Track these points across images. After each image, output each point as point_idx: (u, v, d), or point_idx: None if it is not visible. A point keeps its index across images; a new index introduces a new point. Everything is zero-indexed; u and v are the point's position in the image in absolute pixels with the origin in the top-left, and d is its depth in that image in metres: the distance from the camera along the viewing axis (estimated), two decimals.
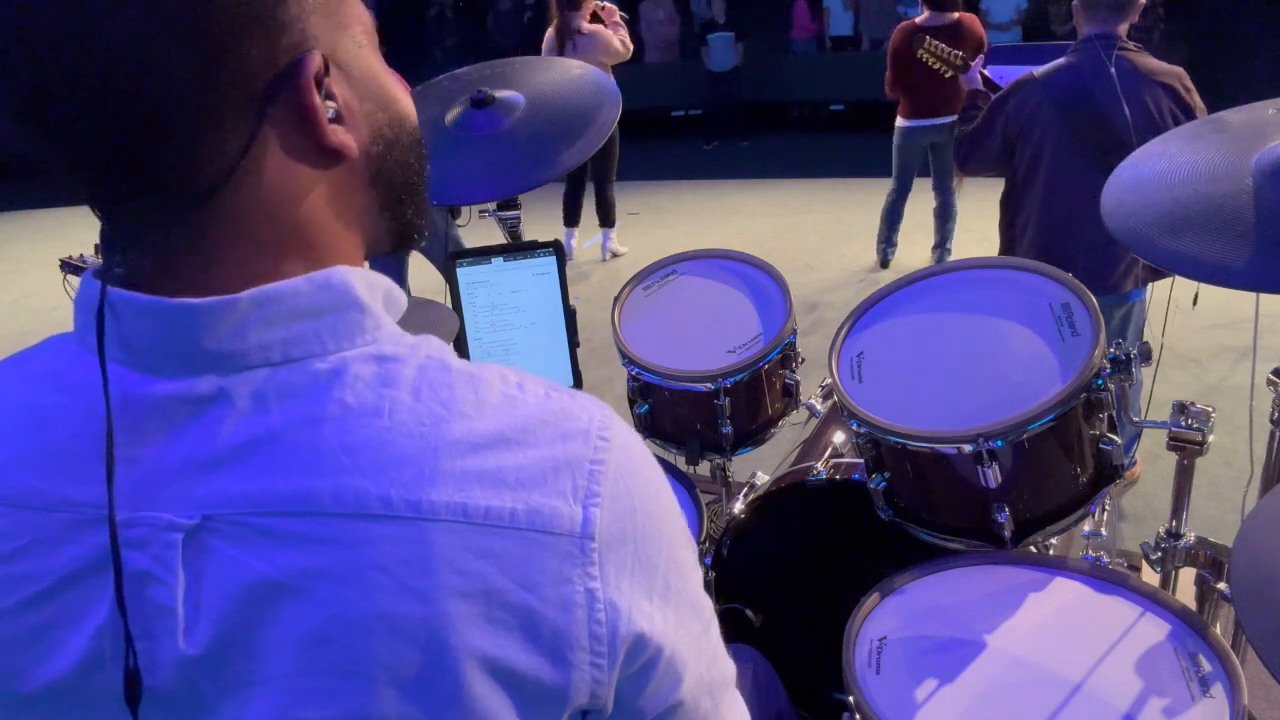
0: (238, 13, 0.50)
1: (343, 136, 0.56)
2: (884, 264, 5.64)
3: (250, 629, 0.52)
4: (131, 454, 0.53)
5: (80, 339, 0.57)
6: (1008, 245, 2.84)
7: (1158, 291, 2.72)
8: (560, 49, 5.22)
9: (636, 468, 0.58)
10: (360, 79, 0.58)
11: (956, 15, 4.88)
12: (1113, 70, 2.51)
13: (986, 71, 3.06)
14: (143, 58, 0.48)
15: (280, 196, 0.55)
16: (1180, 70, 2.58)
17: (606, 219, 6.13)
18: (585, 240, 6.37)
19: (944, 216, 5.33)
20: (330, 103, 0.55)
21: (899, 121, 5.18)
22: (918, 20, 5.00)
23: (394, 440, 0.53)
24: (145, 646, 0.53)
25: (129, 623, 0.52)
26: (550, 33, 5.37)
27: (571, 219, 6.17)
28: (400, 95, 0.62)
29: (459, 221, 3.94)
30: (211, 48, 0.49)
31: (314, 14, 0.54)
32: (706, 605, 0.64)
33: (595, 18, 5.33)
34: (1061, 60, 2.64)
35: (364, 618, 0.51)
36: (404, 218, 0.64)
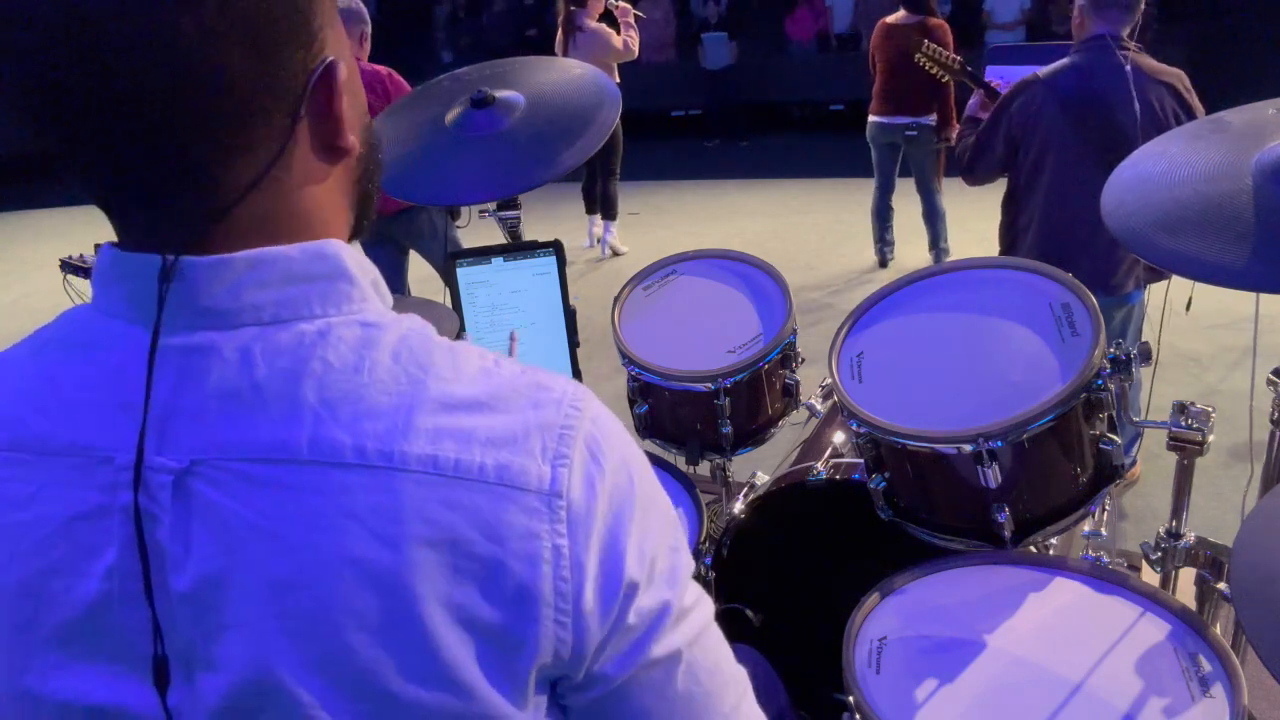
0: (288, 19, 0.54)
1: (352, 136, 0.61)
2: (882, 263, 5.64)
3: (230, 570, 0.54)
4: (130, 400, 0.56)
5: (97, 306, 0.60)
6: (1009, 247, 2.83)
7: (1155, 293, 2.72)
8: (564, 46, 5.23)
9: (607, 437, 0.60)
10: (354, 90, 0.63)
11: (929, 18, 4.91)
12: (1119, 70, 2.51)
13: (997, 83, 3.01)
14: (209, 59, 0.51)
15: (298, 188, 0.59)
16: (1180, 72, 2.58)
17: (608, 212, 6.16)
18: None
19: (931, 218, 5.31)
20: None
21: (869, 116, 5.25)
22: (888, 20, 5.05)
23: (371, 396, 0.56)
24: (154, 580, 0.55)
25: (139, 558, 0.54)
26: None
27: (592, 207, 6.28)
28: (366, 102, 0.67)
29: (459, 223, 3.93)
30: (269, 51, 0.54)
31: (329, 26, 0.59)
32: (681, 571, 0.63)
33: (609, 16, 5.35)
34: (1065, 60, 2.63)
35: (334, 562, 0.53)
36: (367, 215, 0.68)
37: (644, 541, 0.60)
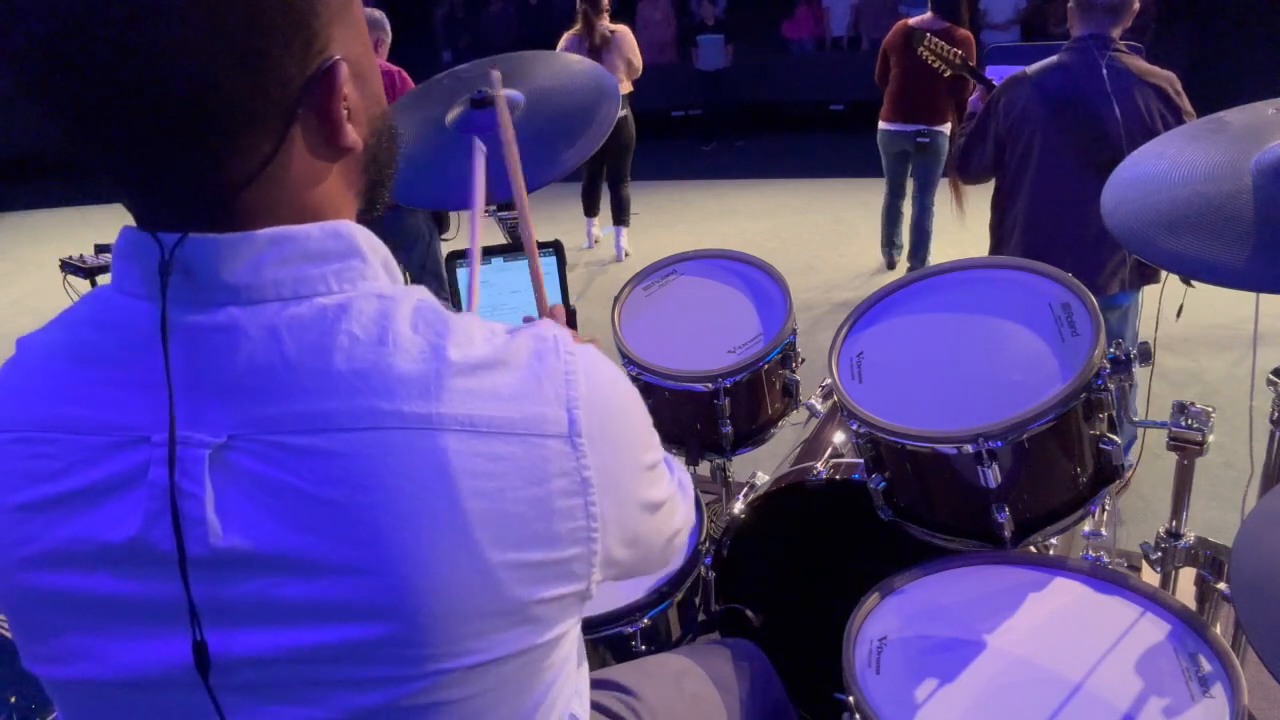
0: (280, 23, 0.55)
1: (353, 135, 0.62)
2: (890, 265, 5.62)
3: (281, 534, 0.57)
4: (158, 379, 0.58)
5: (117, 285, 0.62)
6: (997, 245, 2.83)
7: (1151, 297, 2.71)
8: (593, 52, 5.21)
9: (599, 370, 0.67)
10: (366, 79, 0.65)
11: (957, 28, 4.83)
12: (1104, 70, 2.50)
13: (995, 82, 3.01)
14: (196, 66, 0.53)
15: (300, 185, 0.61)
16: (1171, 75, 2.57)
17: (621, 217, 6.13)
18: (602, 229, 6.43)
19: (915, 229, 5.18)
20: (344, 104, 0.61)
21: (879, 124, 5.18)
22: (911, 21, 4.99)
23: (399, 364, 0.59)
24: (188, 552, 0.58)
25: (164, 531, 0.57)
26: (569, 36, 5.36)
27: (591, 209, 6.28)
28: (382, 89, 0.69)
29: (445, 235, 3.97)
30: (257, 56, 0.55)
31: (336, 21, 0.60)
32: (661, 454, 0.75)
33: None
34: (1053, 59, 2.63)
35: (392, 517, 0.57)
36: (378, 196, 0.71)
37: (646, 449, 0.70)
